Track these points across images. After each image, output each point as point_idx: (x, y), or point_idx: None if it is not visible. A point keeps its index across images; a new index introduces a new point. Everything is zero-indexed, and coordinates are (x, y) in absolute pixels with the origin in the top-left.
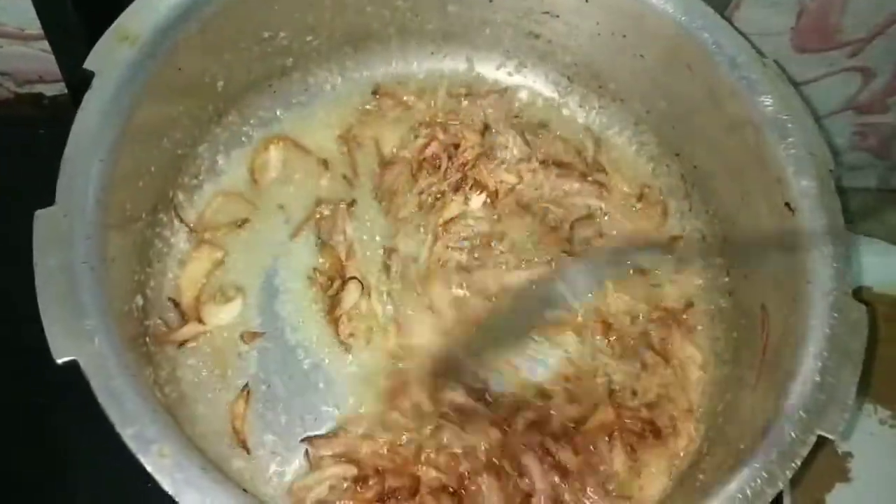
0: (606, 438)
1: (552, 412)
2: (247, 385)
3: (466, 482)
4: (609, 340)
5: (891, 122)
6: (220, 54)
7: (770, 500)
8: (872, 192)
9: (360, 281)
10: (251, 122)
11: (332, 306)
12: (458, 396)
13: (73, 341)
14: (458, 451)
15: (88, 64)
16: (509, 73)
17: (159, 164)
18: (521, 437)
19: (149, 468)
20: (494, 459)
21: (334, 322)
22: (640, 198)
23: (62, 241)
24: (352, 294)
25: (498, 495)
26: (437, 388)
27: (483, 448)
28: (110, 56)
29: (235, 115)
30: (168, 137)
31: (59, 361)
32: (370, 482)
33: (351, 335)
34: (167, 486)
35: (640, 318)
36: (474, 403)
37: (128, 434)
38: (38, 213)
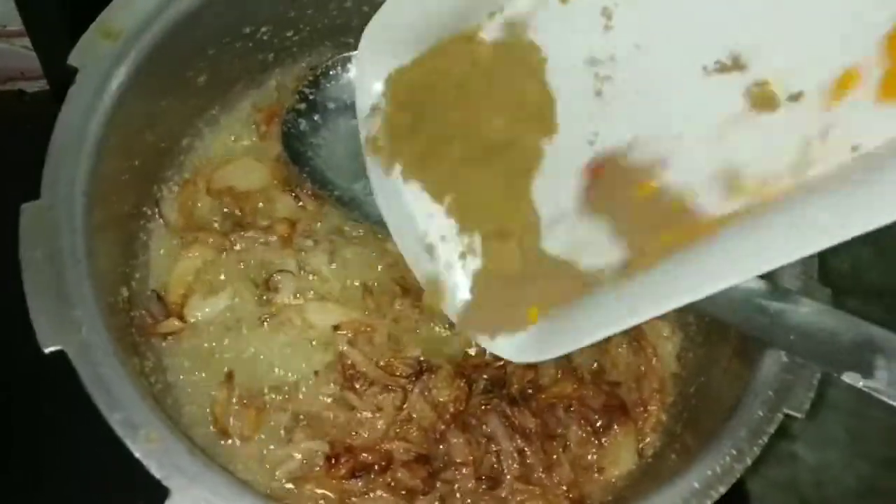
0: (562, 410)
1: (511, 375)
2: (230, 374)
3: (437, 447)
4: None
5: None
6: (203, 49)
7: (738, 476)
8: None
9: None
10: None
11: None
12: (415, 351)
13: (60, 331)
14: (427, 410)
15: (72, 60)
16: None
17: (143, 158)
18: (481, 398)
19: (137, 453)
20: (461, 414)
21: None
22: None
23: (48, 234)
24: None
25: (464, 449)
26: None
27: (451, 401)
28: (94, 52)
29: (218, 110)
30: (151, 131)
31: (47, 351)
32: (342, 460)
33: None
34: (155, 470)
35: None
36: (436, 359)
37: (115, 419)
38: (24, 206)
